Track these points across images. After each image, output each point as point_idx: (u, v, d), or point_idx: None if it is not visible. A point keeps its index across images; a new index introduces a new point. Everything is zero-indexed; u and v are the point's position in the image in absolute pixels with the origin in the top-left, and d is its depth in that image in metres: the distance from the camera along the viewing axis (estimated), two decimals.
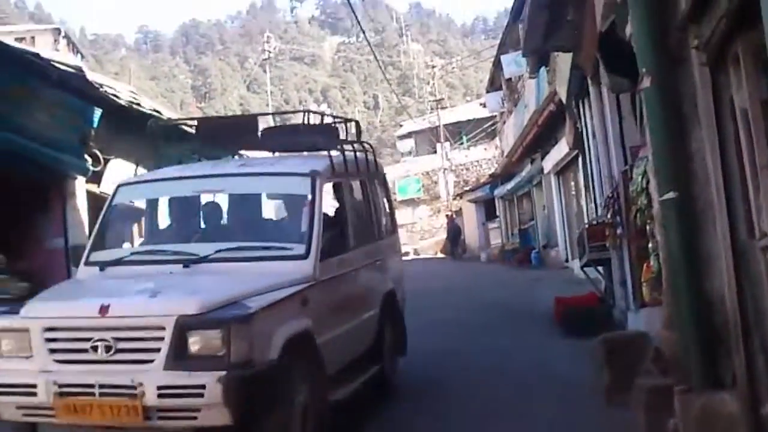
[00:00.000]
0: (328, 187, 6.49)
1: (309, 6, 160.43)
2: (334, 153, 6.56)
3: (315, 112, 7.31)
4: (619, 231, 9.06)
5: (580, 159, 19.00)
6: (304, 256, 5.74)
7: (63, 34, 52.34)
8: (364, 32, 24.96)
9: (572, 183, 21.82)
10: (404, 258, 42.47)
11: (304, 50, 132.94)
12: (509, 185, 29.93)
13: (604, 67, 5.84)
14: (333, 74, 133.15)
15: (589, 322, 9.58)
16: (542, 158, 23.68)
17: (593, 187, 12.63)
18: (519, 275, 21.69)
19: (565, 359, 8.16)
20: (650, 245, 6.64)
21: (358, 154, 7.15)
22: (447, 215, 42.28)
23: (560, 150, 20.68)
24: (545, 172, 23.85)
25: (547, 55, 11.34)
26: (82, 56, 56.70)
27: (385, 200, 8.24)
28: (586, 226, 10.16)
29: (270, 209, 7.81)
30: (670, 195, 4.84)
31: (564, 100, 12.60)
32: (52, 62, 9.77)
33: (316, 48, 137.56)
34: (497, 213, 34.61)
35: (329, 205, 6.65)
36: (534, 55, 10.08)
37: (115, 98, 11.10)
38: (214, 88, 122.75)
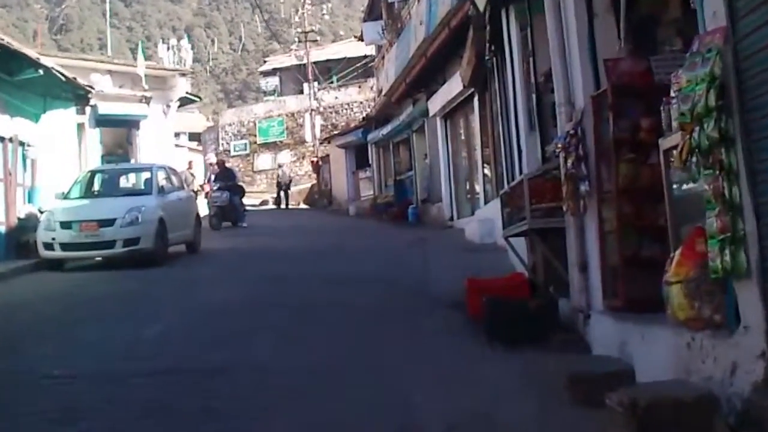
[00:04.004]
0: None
1: None
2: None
3: None
4: (583, 188, 5.92)
5: (476, 99, 16.01)
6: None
7: None
8: None
9: (462, 129, 18.86)
10: (262, 208, 37.91)
11: None
12: (385, 129, 26.67)
13: None
14: (198, 13, 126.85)
15: (525, 322, 6.46)
16: (428, 99, 20.51)
17: (515, 127, 9.51)
18: (397, 234, 18.46)
19: (510, 395, 4.96)
20: (718, 222, 3.47)
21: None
22: (279, 164, 37.35)
23: (450, 89, 17.68)
24: (430, 114, 20.70)
25: None
26: None
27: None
28: (528, 177, 6.90)
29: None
30: None
31: (480, 9, 9.33)
32: None
33: None
34: (370, 161, 31.20)
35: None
36: None
37: None
38: (72, 21, 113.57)
